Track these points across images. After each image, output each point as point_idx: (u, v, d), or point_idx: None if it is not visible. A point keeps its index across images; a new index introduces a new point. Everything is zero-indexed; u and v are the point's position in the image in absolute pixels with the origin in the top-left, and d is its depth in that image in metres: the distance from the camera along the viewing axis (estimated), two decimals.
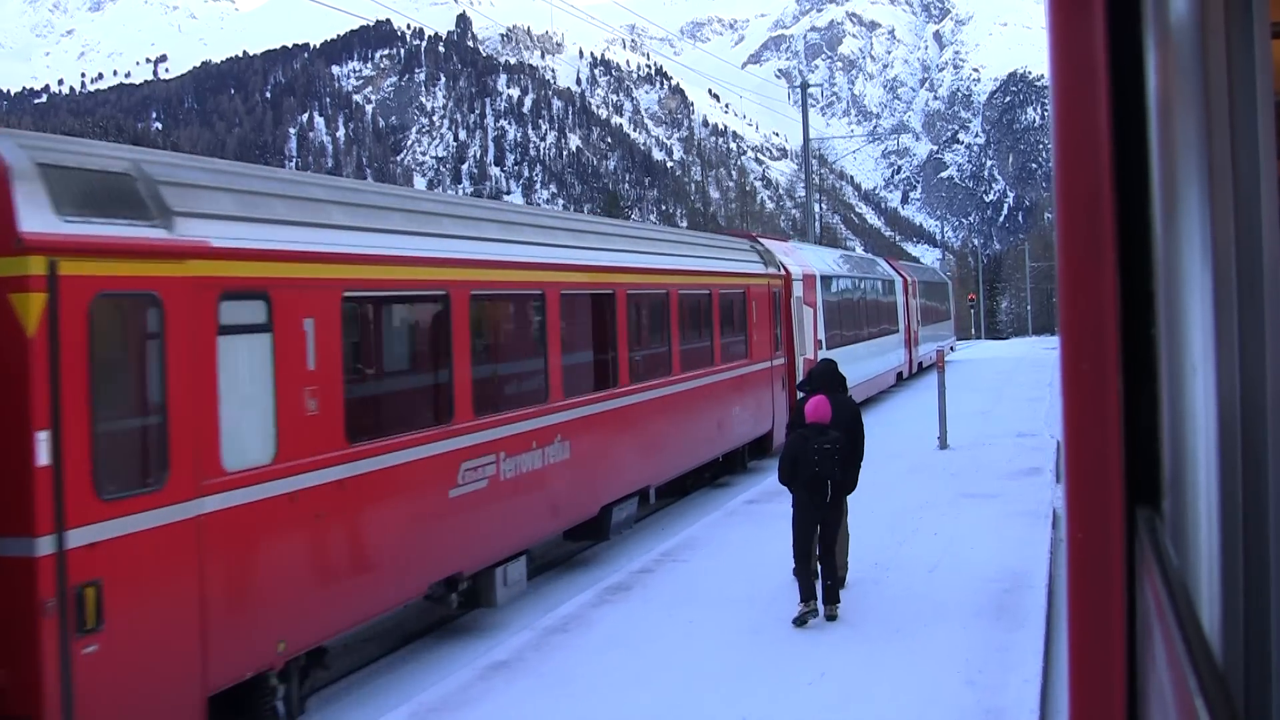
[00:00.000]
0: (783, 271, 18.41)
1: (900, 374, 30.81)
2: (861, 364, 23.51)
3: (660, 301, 13.23)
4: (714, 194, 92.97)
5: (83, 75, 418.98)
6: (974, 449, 17.45)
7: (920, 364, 34.01)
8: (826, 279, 22.35)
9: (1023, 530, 11.38)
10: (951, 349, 41.56)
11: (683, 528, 12.80)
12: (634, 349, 12.29)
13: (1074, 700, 1.60)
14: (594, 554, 12.06)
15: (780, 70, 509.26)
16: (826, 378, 9.34)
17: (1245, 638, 1.11)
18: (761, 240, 19.51)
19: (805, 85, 40.13)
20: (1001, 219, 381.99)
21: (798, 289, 19.30)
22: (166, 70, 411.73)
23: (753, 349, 16.62)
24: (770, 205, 78.71)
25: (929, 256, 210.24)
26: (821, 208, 76.42)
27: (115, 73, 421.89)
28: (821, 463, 8.22)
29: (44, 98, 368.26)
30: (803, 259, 21.13)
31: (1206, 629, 1.15)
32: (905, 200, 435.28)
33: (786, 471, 8.41)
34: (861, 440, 9.09)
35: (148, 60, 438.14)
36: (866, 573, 9.77)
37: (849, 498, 9.10)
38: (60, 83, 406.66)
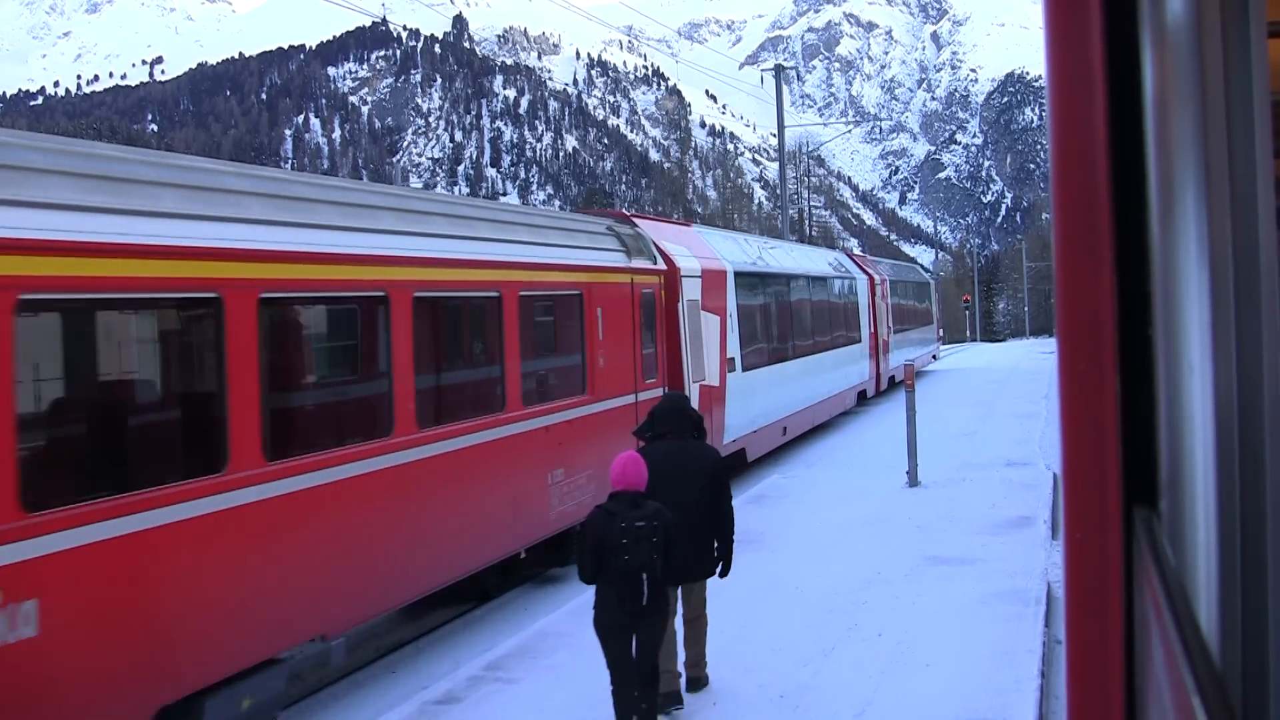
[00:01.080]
0: (661, 265, 13.57)
1: (864, 392, 25.81)
2: (799, 386, 19.38)
3: (363, 311, 8.13)
4: (711, 195, 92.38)
5: (78, 77, 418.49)
6: (951, 486, 14.40)
7: (892, 378, 28.90)
8: (746, 276, 17.23)
9: (1003, 630, 8.00)
10: (934, 358, 37.33)
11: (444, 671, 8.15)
12: (281, 397, 7.20)
13: (1072, 701, 1.59)
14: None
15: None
16: (674, 418, 6.94)
17: (1243, 638, 1.11)
18: (639, 221, 14.26)
19: (779, 69, 37.95)
20: (999, 219, 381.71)
21: (690, 289, 14.37)
22: (162, 72, 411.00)
23: (596, 380, 11.18)
24: (767, 206, 77.49)
25: (926, 257, 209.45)
26: (811, 205, 74.97)
27: (111, 75, 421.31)
28: (632, 549, 5.84)
29: (40, 100, 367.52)
30: (707, 249, 16.13)
31: (1204, 629, 1.15)
32: (903, 201, 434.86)
33: (588, 564, 6.02)
34: (725, 503, 6.83)
35: (144, 62, 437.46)
36: (764, 707, 6.75)
37: (714, 580, 7.00)
38: (56, 85, 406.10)
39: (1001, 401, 25.78)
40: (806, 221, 74.55)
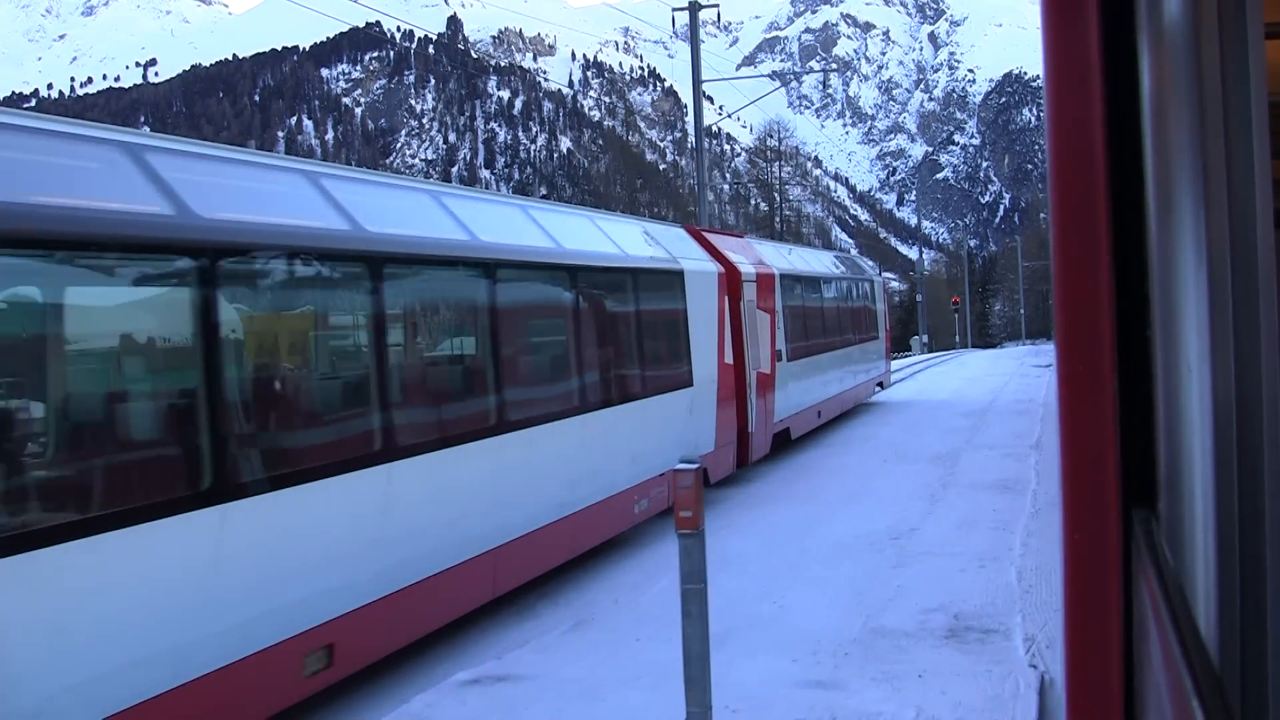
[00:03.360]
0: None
1: (710, 475, 14.31)
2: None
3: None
4: (709, 196, 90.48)
5: (72, 80, 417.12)
6: None
7: (789, 433, 17.51)
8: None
9: None
10: (880, 386, 26.53)
11: None
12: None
13: (1071, 701, 1.59)
14: None
15: (775, 73, 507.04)
16: None
17: (1241, 639, 1.11)
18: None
19: (696, 7, 27.70)
20: (998, 220, 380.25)
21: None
22: (156, 74, 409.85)
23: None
24: (765, 207, 75.76)
25: (926, 261, 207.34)
26: (783, 198, 71.91)
27: (105, 77, 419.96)
28: None
29: (33, 103, 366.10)
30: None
31: (1203, 630, 1.15)
32: (900, 202, 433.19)
33: None
34: None
35: (137, 64, 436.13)
36: None
37: None
38: (50, 87, 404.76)
39: (969, 458, 15.87)
40: (777, 215, 71.00)
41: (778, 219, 69.50)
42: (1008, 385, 29.74)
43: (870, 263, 30.01)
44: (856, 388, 23.28)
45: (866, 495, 13.19)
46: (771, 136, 75.99)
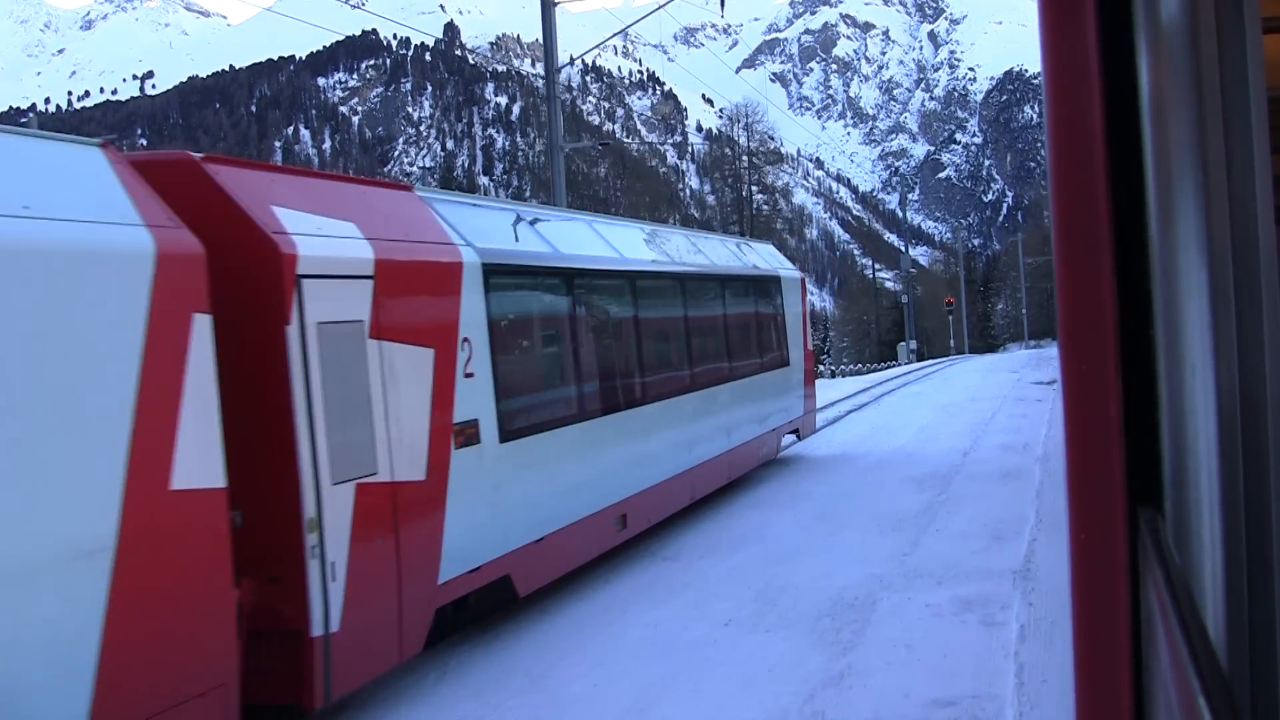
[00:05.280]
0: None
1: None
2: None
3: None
4: (710, 199, 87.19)
5: (69, 94, 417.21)
6: None
7: (511, 584, 8.76)
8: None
9: None
10: (796, 434, 17.38)
11: None
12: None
13: (1080, 702, 1.58)
14: None
15: (774, 74, 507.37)
16: None
17: (1250, 638, 1.10)
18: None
19: None
20: (1001, 219, 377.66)
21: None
22: (153, 86, 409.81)
23: None
24: (765, 209, 73.29)
25: (926, 259, 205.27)
26: (751, 184, 68.03)
27: (102, 90, 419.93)
28: None
29: (30, 117, 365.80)
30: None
31: (1210, 629, 1.15)
32: (903, 202, 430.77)
33: None
34: None
35: (134, 77, 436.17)
36: None
37: None
38: (47, 101, 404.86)
39: (890, 624, 7.98)
40: (746, 208, 66.82)
41: (747, 210, 65.39)
42: (995, 418, 21.09)
43: (771, 250, 18.84)
44: (728, 454, 13.87)
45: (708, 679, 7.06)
46: (738, 121, 71.52)
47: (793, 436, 17.32)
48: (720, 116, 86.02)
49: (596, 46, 23.93)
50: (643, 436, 11.34)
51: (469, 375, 8.13)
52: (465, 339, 8.21)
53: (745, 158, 68.16)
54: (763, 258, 17.87)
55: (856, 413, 24.45)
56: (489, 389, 8.41)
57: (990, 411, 22.54)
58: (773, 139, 77.33)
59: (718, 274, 15.00)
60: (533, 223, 10.83)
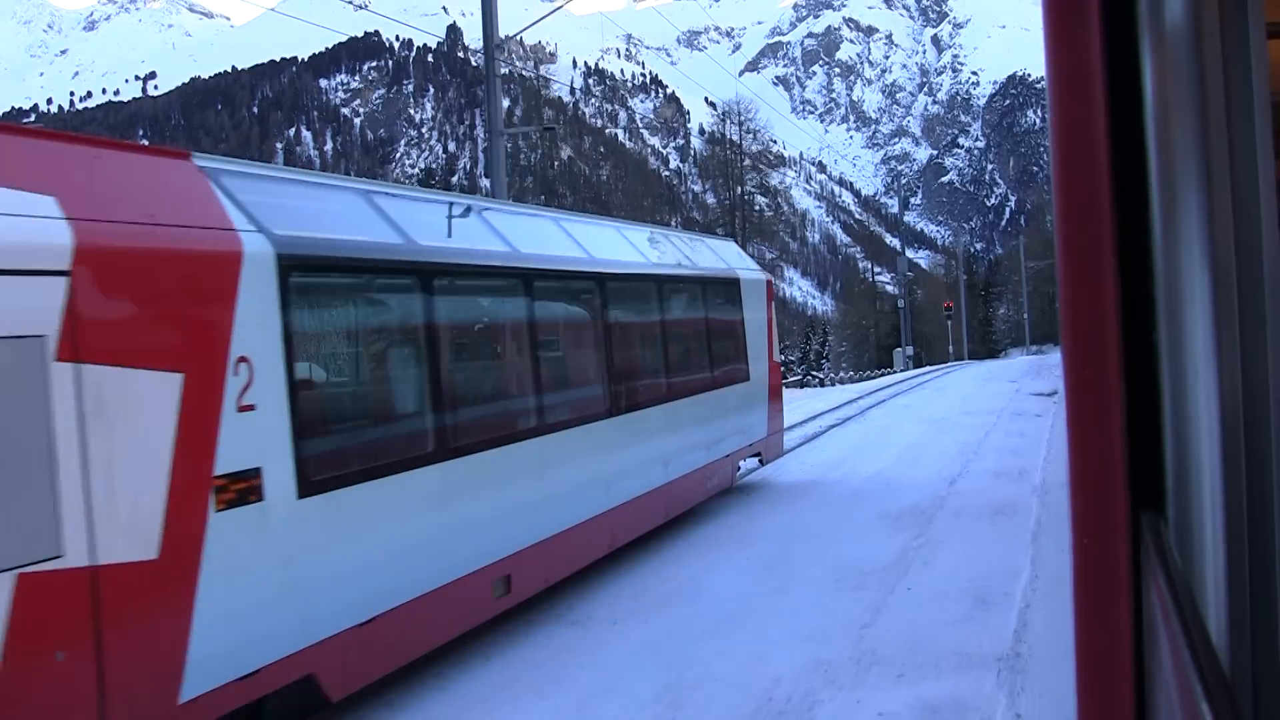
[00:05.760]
0: None
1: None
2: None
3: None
4: (711, 201, 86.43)
5: (71, 94, 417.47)
6: None
7: (316, 686, 6.26)
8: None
9: None
10: (759, 458, 14.97)
11: None
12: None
13: (1082, 707, 1.58)
14: None
15: (778, 77, 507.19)
16: None
17: (1252, 643, 1.11)
18: None
19: None
20: (1004, 223, 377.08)
21: None
22: (156, 87, 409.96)
23: None
24: (768, 213, 72.62)
25: (926, 261, 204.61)
26: (746, 183, 67.04)
27: (104, 91, 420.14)
28: None
29: (32, 118, 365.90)
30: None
31: (1213, 634, 1.15)
32: (906, 206, 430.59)
33: None
34: None
35: (137, 78, 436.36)
36: None
37: None
38: (49, 102, 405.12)
39: (860, 691, 6.50)
40: (740, 209, 65.68)
41: (739, 213, 64.17)
42: (989, 436, 19.19)
43: (732, 249, 16.92)
44: (664, 489, 11.55)
45: None
46: (730, 118, 70.11)
47: (756, 460, 15.08)
48: (713, 115, 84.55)
49: (529, 26, 23.83)
50: (535, 475, 8.92)
51: (246, 408, 5.91)
52: (242, 359, 5.92)
53: (739, 157, 67.38)
54: (719, 256, 15.26)
55: (838, 428, 22.24)
56: (282, 426, 6.12)
57: (984, 428, 20.55)
58: (769, 138, 76.46)
59: (653, 274, 12.32)
60: (386, 208, 8.21)
